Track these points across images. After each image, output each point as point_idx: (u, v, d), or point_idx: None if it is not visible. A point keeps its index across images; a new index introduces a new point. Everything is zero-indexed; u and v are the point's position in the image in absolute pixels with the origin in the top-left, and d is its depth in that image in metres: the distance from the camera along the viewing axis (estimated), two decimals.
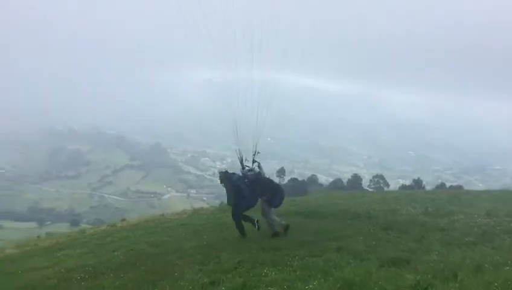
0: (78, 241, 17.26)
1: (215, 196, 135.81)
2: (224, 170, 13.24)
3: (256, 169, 12.60)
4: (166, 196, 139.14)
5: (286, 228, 11.87)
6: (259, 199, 12.33)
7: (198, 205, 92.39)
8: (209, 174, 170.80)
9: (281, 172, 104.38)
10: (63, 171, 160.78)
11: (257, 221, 12.19)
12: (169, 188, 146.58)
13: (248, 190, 12.15)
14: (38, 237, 27.79)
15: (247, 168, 12.75)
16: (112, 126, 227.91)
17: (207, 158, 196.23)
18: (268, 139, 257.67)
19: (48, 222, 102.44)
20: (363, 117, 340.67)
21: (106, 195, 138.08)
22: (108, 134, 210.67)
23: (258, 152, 12.82)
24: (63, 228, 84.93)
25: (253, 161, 12.80)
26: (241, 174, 12.62)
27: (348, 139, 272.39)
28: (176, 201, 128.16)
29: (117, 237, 16.45)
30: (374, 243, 9.68)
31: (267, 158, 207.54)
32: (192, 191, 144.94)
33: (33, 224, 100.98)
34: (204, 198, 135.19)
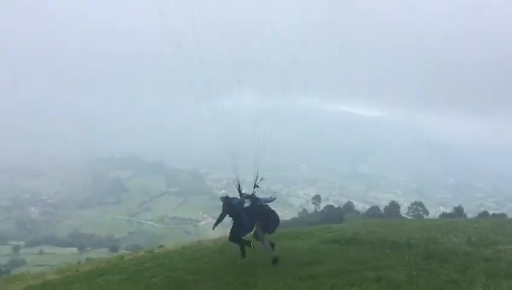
0: (117, 267, 17.51)
1: None
2: (225, 195, 13.76)
3: (255, 195, 13.07)
4: (203, 223, 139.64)
5: (275, 260, 12.07)
6: (255, 224, 12.73)
7: None
8: None
9: (317, 199, 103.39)
10: (103, 197, 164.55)
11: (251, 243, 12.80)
12: (205, 215, 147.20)
13: (247, 217, 12.71)
14: (78, 262, 28.36)
15: (244, 195, 13.29)
16: (151, 153, 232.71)
17: (242, 185, 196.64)
18: (303, 165, 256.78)
19: (88, 248, 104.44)
20: (402, 143, 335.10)
21: (144, 221, 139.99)
22: (148, 161, 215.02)
23: (262, 178, 13.36)
24: (103, 253, 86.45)
25: (255, 186, 13.37)
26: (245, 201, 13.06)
27: (386, 166, 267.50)
28: (207, 227, 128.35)
29: (155, 263, 16.61)
30: (414, 273, 9.41)
31: (300, 184, 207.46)
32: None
33: (74, 249, 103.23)
34: None
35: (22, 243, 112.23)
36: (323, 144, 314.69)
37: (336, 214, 71.25)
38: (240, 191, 13.60)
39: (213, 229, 13.92)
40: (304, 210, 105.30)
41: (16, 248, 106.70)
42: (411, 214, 76.02)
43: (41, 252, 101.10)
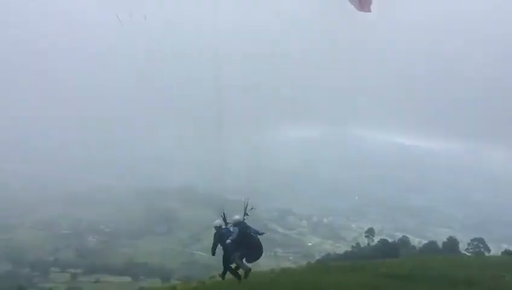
0: None
1: (301, 255, 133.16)
2: (219, 225, 14.85)
3: (235, 218, 14.16)
4: None
5: (246, 275, 13.78)
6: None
7: (284, 264, 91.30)
8: (295, 233, 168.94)
9: (370, 232, 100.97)
10: (156, 227, 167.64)
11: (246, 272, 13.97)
12: None
13: (233, 246, 13.67)
14: None
15: (231, 223, 14.34)
16: (203, 184, 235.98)
17: (293, 216, 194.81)
18: (356, 197, 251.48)
19: (142, 277, 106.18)
20: (459, 175, 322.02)
21: (195, 252, 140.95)
22: (200, 192, 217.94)
23: (253, 207, 14.48)
24: (155, 283, 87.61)
25: (245, 214, 14.44)
26: (231, 228, 14.07)
27: (441, 199, 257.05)
28: (262, 260, 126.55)
29: None
30: None
31: (352, 217, 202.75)
32: (278, 249, 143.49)
33: (128, 278, 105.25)
34: (291, 257, 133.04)
35: (80, 270, 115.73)
36: (376, 175, 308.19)
37: (391, 249, 68.94)
38: (224, 220, 14.73)
39: (212, 255, 15.17)
40: (357, 244, 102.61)
41: (74, 276, 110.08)
42: (471, 250, 72.39)
43: (97, 280, 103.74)
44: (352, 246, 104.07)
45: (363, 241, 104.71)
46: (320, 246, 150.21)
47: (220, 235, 14.16)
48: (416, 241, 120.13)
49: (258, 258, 13.92)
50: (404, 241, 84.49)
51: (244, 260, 13.74)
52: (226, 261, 14.15)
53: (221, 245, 14.08)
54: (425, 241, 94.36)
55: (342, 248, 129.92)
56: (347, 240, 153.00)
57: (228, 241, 13.59)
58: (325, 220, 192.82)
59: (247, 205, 14.40)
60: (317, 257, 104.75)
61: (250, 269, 13.72)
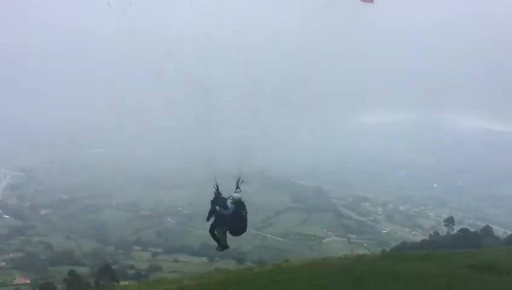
0: (246, 279, 18.28)
1: (376, 242, 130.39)
2: (220, 194, 15.32)
3: (236, 196, 14.40)
4: (326, 240, 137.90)
5: (224, 247, 14.75)
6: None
7: (358, 250, 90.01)
8: (370, 220, 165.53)
9: (450, 221, 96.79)
10: None
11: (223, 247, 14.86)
12: (329, 232, 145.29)
13: (223, 220, 14.50)
14: (209, 272, 30.09)
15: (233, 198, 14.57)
16: (276, 169, 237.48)
17: (368, 203, 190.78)
18: (435, 185, 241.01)
19: (217, 258, 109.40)
20: None
21: (269, 235, 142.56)
22: (273, 176, 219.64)
23: (243, 180, 14.70)
24: (230, 264, 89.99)
25: (237, 187, 14.73)
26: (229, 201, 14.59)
27: None
28: (335, 245, 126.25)
29: (282, 277, 17.01)
30: None
31: (430, 205, 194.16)
32: (352, 236, 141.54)
33: (204, 259, 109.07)
34: (365, 244, 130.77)
35: (160, 250, 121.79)
36: (458, 162, 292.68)
37: (472, 239, 65.66)
38: (218, 193, 15.14)
39: (207, 221, 15.45)
40: (436, 232, 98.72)
41: (154, 255, 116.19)
42: None
43: (176, 260, 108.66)
44: (430, 235, 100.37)
45: (442, 231, 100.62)
46: (395, 233, 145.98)
47: (215, 201, 15.00)
48: (501, 231, 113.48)
49: (239, 235, 14.76)
50: (487, 231, 79.93)
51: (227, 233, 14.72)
52: (211, 229, 14.95)
53: (214, 214, 14.82)
54: (510, 232, 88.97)
55: (419, 237, 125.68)
56: (424, 229, 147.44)
57: (217, 208, 14.60)
58: (401, 207, 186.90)
59: (239, 179, 14.60)
60: (393, 244, 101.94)
61: (227, 247, 14.78)
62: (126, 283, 52.48)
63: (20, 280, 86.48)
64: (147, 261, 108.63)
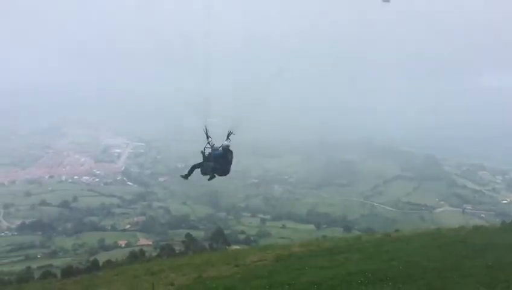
0: (355, 247, 18.23)
1: (495, 213, 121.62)
2: (212, 144, 17.71)
3: (225, 144, 17.13)
4: (439, 210, 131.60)
5: (211, 178, 17.58)
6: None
7: (474, 222, 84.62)
8: (488, 189, 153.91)
9: None
10: (337, 179, 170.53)
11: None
12: (442, 202, 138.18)
13: (211, 158, 17.27)
14: (317, 239, 30.47)
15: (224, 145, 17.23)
16: (384, 137, 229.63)
17: (485, 172, 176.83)
18: None
19: (324, 226, 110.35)
20: None
21: (377, 204, 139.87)
22: (380, 145, 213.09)
23: (232, 133, 17.09)
24: (337, 232, 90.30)
25: (227, 137, 17.17)
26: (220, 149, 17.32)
27: None
28: (449, 216, 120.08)
29: (392, 246, 16.69)
30: None
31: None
32: (467, 206, 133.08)
33: (311, 226, 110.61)
34: (483, 215, 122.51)
35: (268, 216, 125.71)
36: None
37: None
38: (206, 135, 17.54)
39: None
40: None
41: (263, 221, 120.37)
42: None
43: (284, 227, 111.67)
44: None
45: None
46: None
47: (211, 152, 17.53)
48: None
49: (222, 175, 17.25)
50: None
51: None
52: (198, 165, 17.50)
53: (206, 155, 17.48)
54: None
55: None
56: None
57: (208, 148, 17.46)
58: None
59: (230, 132, 17.11)
60: None
61: (213, 177, 17.43)
62: (238, 247, 55.23)
63: (143, 241, 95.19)
64: (256, 227, 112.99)
